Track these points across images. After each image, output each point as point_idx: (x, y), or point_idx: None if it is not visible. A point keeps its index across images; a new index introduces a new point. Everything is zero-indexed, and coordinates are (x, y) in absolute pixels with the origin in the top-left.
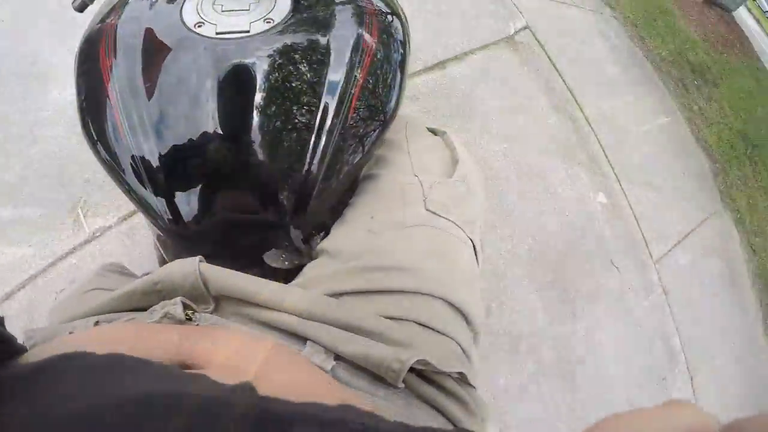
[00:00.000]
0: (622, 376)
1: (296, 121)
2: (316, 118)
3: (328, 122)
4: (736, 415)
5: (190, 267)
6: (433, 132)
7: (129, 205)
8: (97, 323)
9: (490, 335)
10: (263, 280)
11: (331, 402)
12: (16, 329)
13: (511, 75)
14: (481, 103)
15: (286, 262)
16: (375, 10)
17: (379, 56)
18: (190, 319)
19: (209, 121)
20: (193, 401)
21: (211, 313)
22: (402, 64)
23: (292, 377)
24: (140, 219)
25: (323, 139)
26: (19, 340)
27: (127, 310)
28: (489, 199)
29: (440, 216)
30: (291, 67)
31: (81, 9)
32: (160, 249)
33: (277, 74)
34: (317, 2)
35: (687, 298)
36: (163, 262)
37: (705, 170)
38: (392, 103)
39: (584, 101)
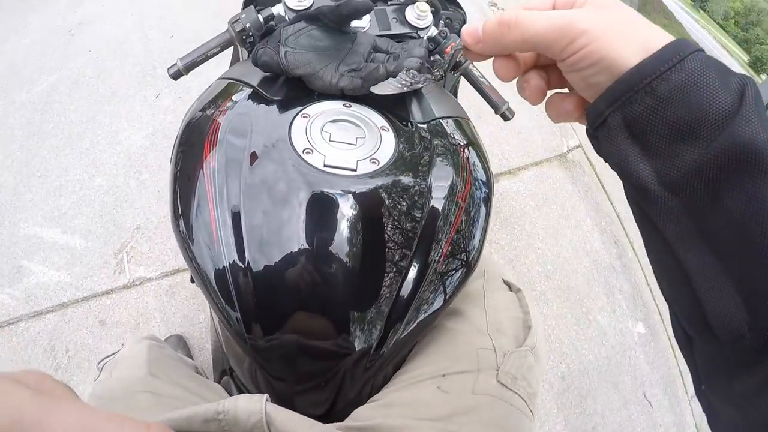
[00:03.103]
0: None
1: (386, 267)
2: (404, 267)
3: (415, 272)
4: None
5: (256, 405)
6: (509, 285)
7: (174, 263)
8: None
9: None
10: None
11: None
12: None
13: (560, 194)
14: (529, 221)
15: None
16: (466, 157)
17: (469, 206)
18: None
19: (301, 253)
20: None
21: None
22: (487, 209)
23: None
24: (182, 279)
25: (410, 288)
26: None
27: None
28: None
29: (509, 389)
30: (390, 212)
31: (176, 77)
32: (219, 335)
33: (374, 219)
34: (418, 145)
35: None
36: (217, 343)
37: None
38: (475, 253)
39: (630, 226)
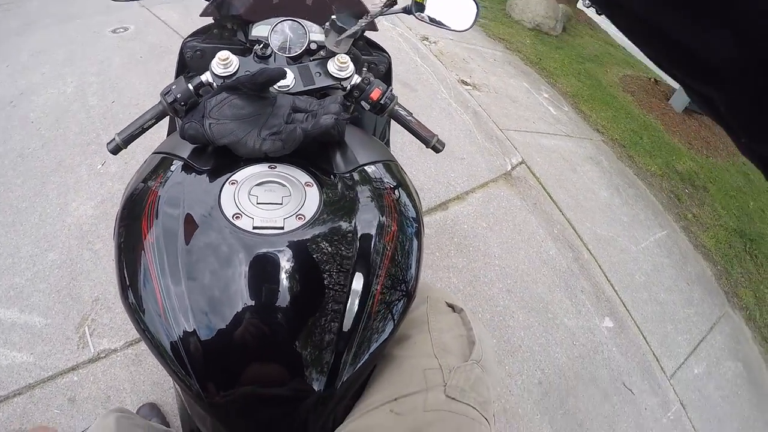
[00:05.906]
0: None
1: (326, 306)
2: (344, 305)
3: (356, 308)
4: None
5: None
6: (452, 307)
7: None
8: None
9: None
10: None
11: None
12: None
13: (510, 210)
14: (483, 242)
15: None
16: (392, 198)
17: (399, 241)
18: None
19: (244, 309)
20: None
21: None
22: (419, 241)
23: None
24: (147, 347)
25: (351, 323)
26: None
27: None
28: (496, 336)
29: (459, 401)
30: (321, 260)
31: (115, 152)
32: (181, 397)
33: (308, 268)
34: (342, 195)
35: (707, 405)
36: (183, 409)
37: (707, 275)
38: (413, 282)
39: (582, 229)
